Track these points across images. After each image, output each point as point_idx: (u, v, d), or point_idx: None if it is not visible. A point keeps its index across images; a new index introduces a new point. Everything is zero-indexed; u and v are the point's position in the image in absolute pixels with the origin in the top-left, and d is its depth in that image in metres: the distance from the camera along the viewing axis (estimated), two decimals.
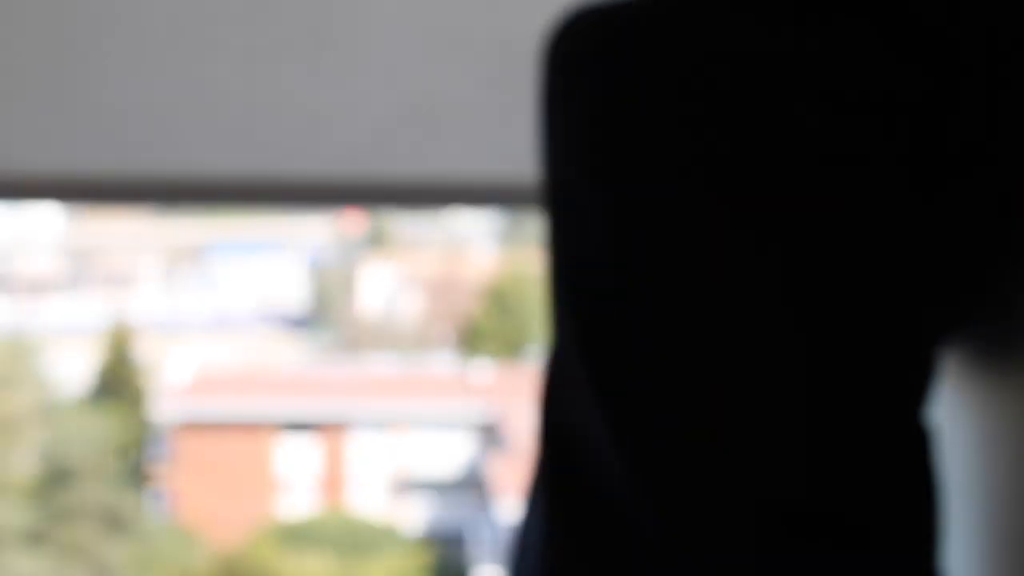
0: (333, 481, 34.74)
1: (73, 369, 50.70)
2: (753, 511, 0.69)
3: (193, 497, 33.21)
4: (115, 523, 26.86)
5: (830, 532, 0.69)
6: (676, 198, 0.72)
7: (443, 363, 50.34)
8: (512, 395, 34.40)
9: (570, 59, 0.78)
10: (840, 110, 0.69)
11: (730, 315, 0.70)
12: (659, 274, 0.72)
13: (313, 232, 66.67)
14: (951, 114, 0.70)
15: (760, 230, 0.71)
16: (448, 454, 35.27)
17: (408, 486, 35.19)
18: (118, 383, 37.24)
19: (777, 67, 0.70)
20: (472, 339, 50.63)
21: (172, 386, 39.25)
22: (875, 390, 0.72)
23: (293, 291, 57.59)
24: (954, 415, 0.77)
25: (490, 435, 34.63)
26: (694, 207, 0.71)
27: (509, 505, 24.27)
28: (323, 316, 58.36)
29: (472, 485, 34.72)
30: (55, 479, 26.68)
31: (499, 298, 50.72)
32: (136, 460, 33.96)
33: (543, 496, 0.78)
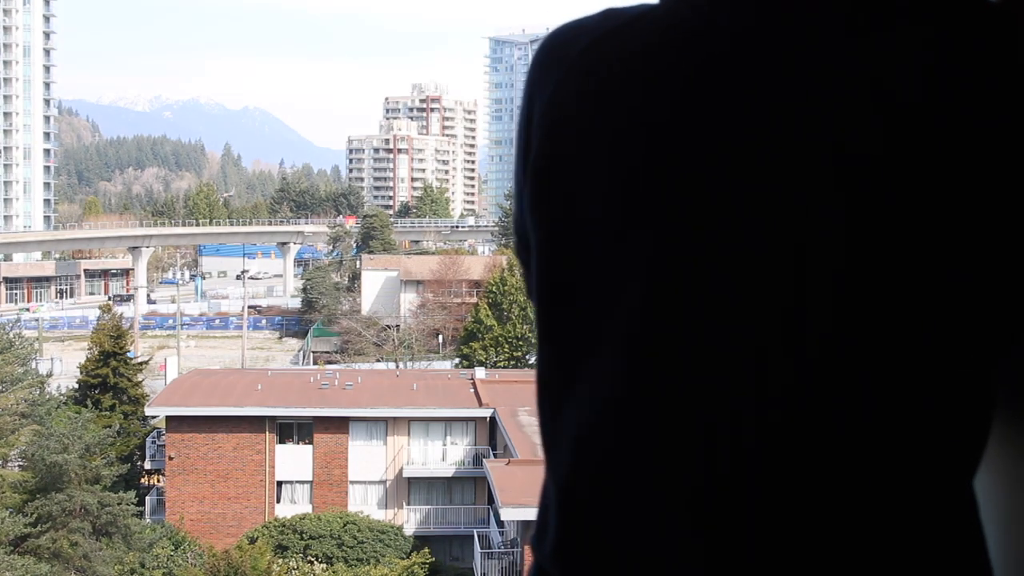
0: (331, 481, 34.82)
1: (65, 368, 50.68)
2: (776, 553, 0.67)
3: (188, 498, 33.20)
4: (107, 525, 26.70)
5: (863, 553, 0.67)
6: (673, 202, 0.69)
7: (442, 363, 50.43)
8: (511, 395, 34.47)
9: (544, 65, 0.78)
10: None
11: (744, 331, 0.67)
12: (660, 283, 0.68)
13: (312, 233, 66.97)
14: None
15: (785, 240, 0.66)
16: (448, 454, 35.41)
17: (407, 486, 35.31)
18: (111, 383, 37.16)
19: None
20: (471, 339, 50.89)
21: (167, 386, 39.17)
22: (933, 451, 0.68)
23: (290, 291, 57.97)
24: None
25: (490, 435, 34.75)
26: (699, 211, 0.68)
27: (509, 505, 24.29)
28: (321, 316, 58.70)
29: (472, 485, 34.85)
30: (45, 480, 26.51)
31: (498, 299, 50.87)
32: (129, 461, 33.89)
33: (552, 500, 0.77)
